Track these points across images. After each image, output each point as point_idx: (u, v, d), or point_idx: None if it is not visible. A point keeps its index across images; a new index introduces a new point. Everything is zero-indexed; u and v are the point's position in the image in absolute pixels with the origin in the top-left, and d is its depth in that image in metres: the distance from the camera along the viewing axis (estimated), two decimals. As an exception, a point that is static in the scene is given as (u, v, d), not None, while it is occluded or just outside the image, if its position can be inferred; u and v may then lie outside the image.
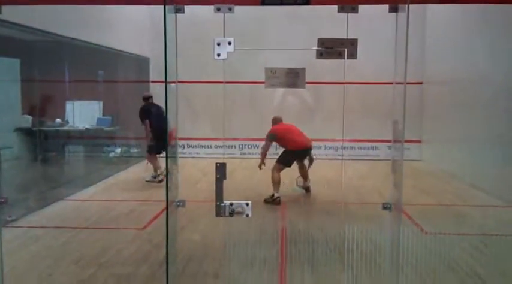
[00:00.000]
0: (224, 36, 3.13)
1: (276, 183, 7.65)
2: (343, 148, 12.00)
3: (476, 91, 8.88)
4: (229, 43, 3.09)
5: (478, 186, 8.54)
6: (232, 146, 12.43)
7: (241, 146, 12.48)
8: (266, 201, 7.54)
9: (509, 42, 7.63)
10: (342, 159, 11.66)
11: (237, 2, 3.12)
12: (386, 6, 3.06)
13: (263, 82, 3.56)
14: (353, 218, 6.54)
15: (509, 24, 7.58)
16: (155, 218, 6.66)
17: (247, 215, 3.22)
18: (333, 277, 4.75)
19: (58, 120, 10.15)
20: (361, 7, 3.10)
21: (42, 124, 9.65)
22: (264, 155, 8.23)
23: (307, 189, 8.28)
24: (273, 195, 7.59)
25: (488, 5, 7.37)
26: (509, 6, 6.80)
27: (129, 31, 10.94)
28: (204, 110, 11.78)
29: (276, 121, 8.57)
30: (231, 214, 3.21)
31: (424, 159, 11.71)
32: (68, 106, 10.54)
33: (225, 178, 3.19)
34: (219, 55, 3.11)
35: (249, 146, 12.50)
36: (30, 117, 9.27)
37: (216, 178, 3.18)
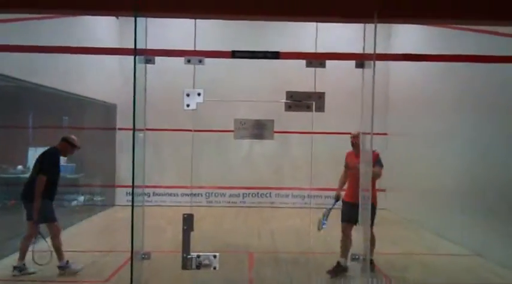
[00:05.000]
0: (194, 88, 3.15)
1: None
2: (310, 196, 12.04)
3: (439, 142, 9.13)
4: (199, 94, 3.11)
5: (443, 235, 8.65)
6: (199, 194, 12.31)
7: (208, 194, 12.37)
8: None
9: (472, 97, 7.93)
10: (310, 208, 11.68)
11: (207, 54, 3.17)
12: (352, 62, 3.16)
13: (231, 131, 3.58)
14: (321, 269, 6.47)
15: (471, 80, 7.90)
16: (118, 269, 6.44)
17: (214, 268, 3.16)
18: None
19: (20, 166, 9.86)
20: (328, 62, 3.20)
21: (3, 171, 9.36)
22: None
23: None
24: None
25: (450, 63, 7.72)
26: (473, 64, 7.15)
27: (96, 77, 10.91)
28: (171, 158, 11.70)
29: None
30: (198, 266, 3.14)
31: (389, 207, 11.82)
32: (31, 152, 10.26)
33: (192, 230, 3.13)
34: (188, 106, 3.13)
35: (216, 194, 12.40)
36: (-11, 164, 8.99)
37: (183, 229, 3.13)
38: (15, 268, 6.12)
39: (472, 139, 7.88)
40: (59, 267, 6.21)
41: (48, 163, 6.31)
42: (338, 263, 6.18)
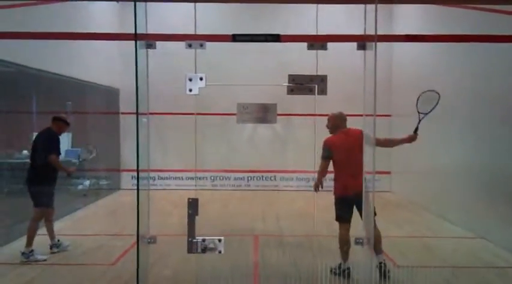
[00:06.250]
0: (196, 72, 3.14)
1: None
2: (314, 179, 12.06)
3: (443, 125, 9.10)
4: (201, 79, 3.10)
5: (447, 218, 8.66)
6: (203, 178, 12.36)
7: (212, 178, 12.42)
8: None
9: (475, 77, 7.88)
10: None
11: (208, 38, 3.15)
12: (354, 44, 3.13)
13: (234, 114, 3.57)
14: (326, 252, 6.52)
15: (474, 60, 7.84)
16: (125, 253, 6.51)
17: (219, 252, 3.19)
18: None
19: (25, 151, 9.91)
20: (330, 44, 3.18)
21: (9, 156, 9.42)
22: None
23: None
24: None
25: (455, 43, 7.64)
26: (476, 44, 7.09)
27: (98, 62, 10.89)
28: (175, 141, 11.73)
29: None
30: (203, 250, 3.17)
31: (394, 190, 11.86)
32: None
33: (197, 214, 3.15)
34: (190, 90, 3.12)
35: (221, 178, 12.45)
36: (-5, 149, 9.04)
37: (188, 213, 3.15)
38: (23, 253, 6.16)
39: (476, 122, 7.84)
40: (23, 253, 6.17)
41: (55, 143, 6.45)
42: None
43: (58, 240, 6.60)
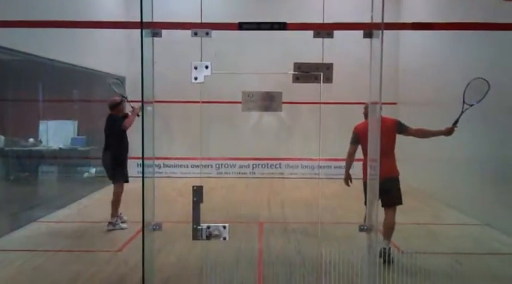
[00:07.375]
0: (201, 60, 3.14)
1: None
2: (320, 167, 12.08)
3: (450, 112, 9.06)
4: (206, 67, 3.10)
5: (452, 205, 8.67)
6: (208, 165, 12.41)
7: (217, 165, 12.46)
8: None
9: (483, 65, 7.83)
10: (319, 178, 11.75)
11: (214, 26, 3.15)
12: (360, 32, 3.12)
13: (239, 102, 3.58)
14: (330, 239, 6.56)
15: (482, 48, 7.79)
16: (130, 239, 6.57)
17: (224, 239, 3.21)
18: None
19: (31, 139, 9.96)
20: (336, 32, 3.16)
21: (15, 144, 9.47)
22: None
23: None
24: None
25: (463, 31, 7.59)
26: (485, 32, 7.03)
27: (104, 50, 10.89)
28: (181, 129, 11.75)
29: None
30: (208, 237, 3.19)
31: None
32: (42, 125, 10.37)
33: (201, 202, 3.17)
34: (196, 79, 3.12)
35: (226, 165, 12.49)
36: (2, 137, 9.09)
37: (193, 201, 3.17)
38: (109, 223, 7.09)
39: (485, 110, 7.80)
40: (110, 223, 7.14)
41: (121, 120, 7.23)
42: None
43: (116, 220, 7.13)
